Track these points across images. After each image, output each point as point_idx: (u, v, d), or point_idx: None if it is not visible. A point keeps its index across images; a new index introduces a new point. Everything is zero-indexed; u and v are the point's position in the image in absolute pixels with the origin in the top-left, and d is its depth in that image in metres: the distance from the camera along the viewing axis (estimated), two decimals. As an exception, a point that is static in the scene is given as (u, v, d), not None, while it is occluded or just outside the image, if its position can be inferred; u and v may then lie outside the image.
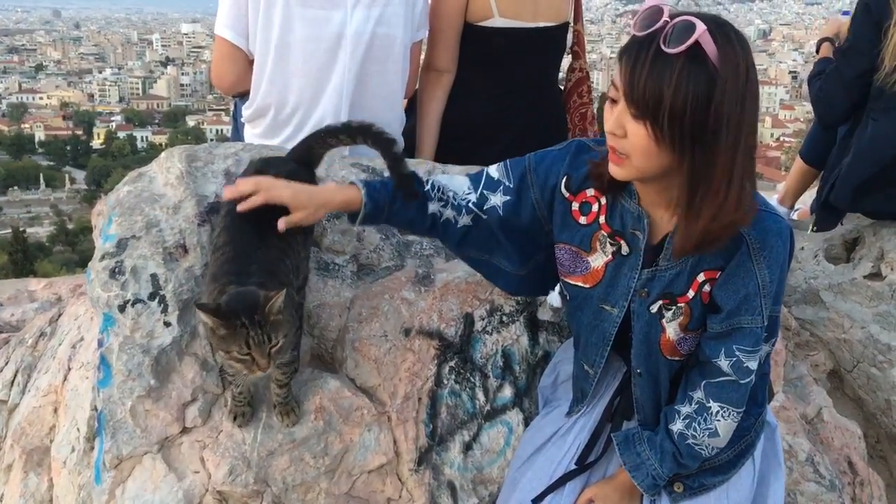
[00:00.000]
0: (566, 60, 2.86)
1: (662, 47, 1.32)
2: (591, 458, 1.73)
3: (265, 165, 1.74)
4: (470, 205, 1.70)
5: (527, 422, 1.94)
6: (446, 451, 1.86)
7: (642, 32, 1.35)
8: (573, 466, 1.73)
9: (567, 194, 1.65)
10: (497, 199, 1.69)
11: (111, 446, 1.67)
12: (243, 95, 2.54)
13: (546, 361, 2.00)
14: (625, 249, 1.59)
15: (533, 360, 1.99)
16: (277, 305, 1.44)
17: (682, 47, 1.30)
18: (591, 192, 1.63)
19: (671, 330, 1.57)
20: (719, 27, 1.34)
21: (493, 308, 1.98)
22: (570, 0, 2.68)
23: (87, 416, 1.82)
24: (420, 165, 2.30)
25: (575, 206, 1.65)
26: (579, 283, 1.67)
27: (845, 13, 3.06)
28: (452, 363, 1.90)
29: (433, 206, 1.69)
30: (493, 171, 1.72)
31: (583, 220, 1.65)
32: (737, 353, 1.52)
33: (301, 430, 1.73)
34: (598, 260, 1.63)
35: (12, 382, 2.32)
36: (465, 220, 1.70)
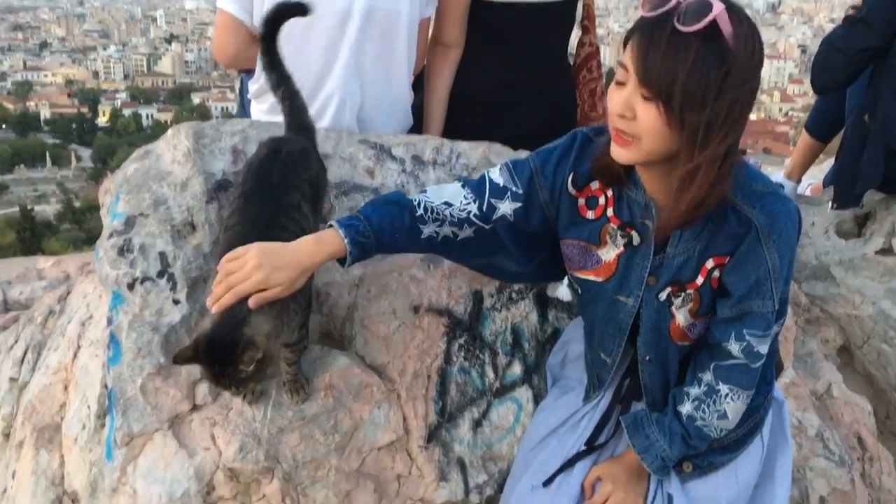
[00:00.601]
0: (576, 34, 2.83)
1: (677, 26, 1.28)
2: (600, 439, 1.73)
3: (276, 146, 1.73)
4: (472, 217, 1.62)
5: (536, 399, 1.94)
6: (456, 427, 1.86)
7: (653, 12, 1.32)
8: (583, 448, 1.73)
9: (573, 191, 1.62)
10: (506, 207, 1.62)
11: (122, 424, 1.68)
12: (248, 71, 2.52)
13: (555, 338, 1.99)
14: (636, 240, 1.58)
15: (542, 336, 1.99)
16: (248, 358, 1.43)
17: (700, 26, 1.27)
18: (595, 185, 1.60)
19: (681, 316, 1.56)
20: (735, 8, 1.32)
21: (502, 285, 1.97)
22: None
23: (98, 393, 1.83)
24: (428, 141, 2.28)
25: (581, 201, 1.63)
26: (591, 277, 1.65)
27: None
28: (461, 340, 1.90)
29: (428, 229, 1.61)
30: (497, 176, 1.64)
31: (590, 214, 1.62)
32: (747, 337, 1.50)
33: (311, 407, 1.73)
34: (609, 253, 1.61)
35: (22, 360, 2.33)
36: (466, 232, 1.64)
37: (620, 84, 1.38)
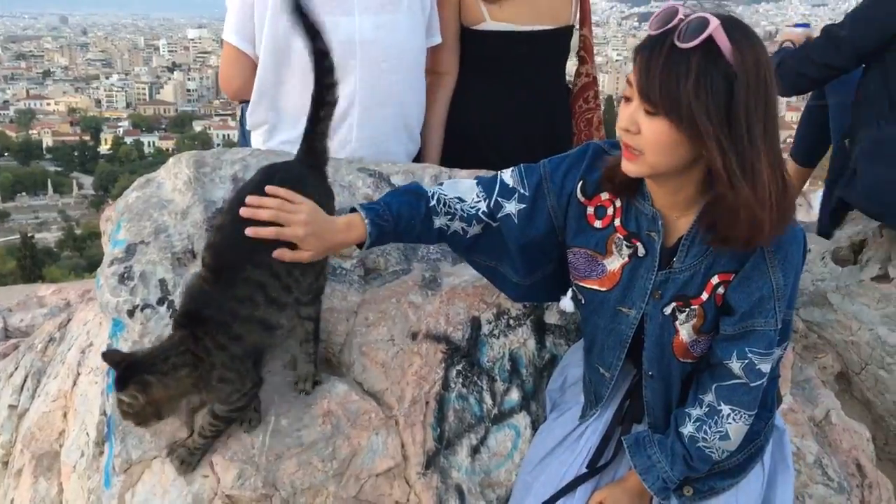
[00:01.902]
0: (573, 65, 2.86)
1: (677, 43, 1.33)
2: (601, 461, 1.73)
3: (271, 172, 1.73)
4: (480, 213, 1.68)
5: (534, 425, 1.94)
6: (454, 454, 1.86)
7: (657, 31, 1.37)
8: (584, 470, 1.73)
9: (582, 198, 1.65)
10: (512, 207, 1.67)
11: (121, 450, 1.69)
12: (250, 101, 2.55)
13: (553, 365, 2.00)
14: (641, 251, 1.60)
15: (540, 363, 2.00)
16: (126, 396, 1.48)
17: (696, 42, 1.32)
18: (605, 195, 1.63)
19: (684, 332, 1.57)
20: (733, 23, 1.36)
21: (499, 312, 1.98)
22: (571, 3, 2.67)
23: (97, 420, 1.84)
24: (427, 169, 2.31)
25: (590, 210, 1.65)
26: (595, 287, 1.67)
27: (799, 25, 3.11)
28: (460, 367, 1.90)
29: (439, 221, 1.67)
30: (508, 177, 1.70)
31: (598, 223, 1.65)
32: (749, 355, 1.52)
33: (309, 434, 1.74)
34: (614, 263, 1.63)
35: (22, 387, 2.33)
36: (475, 229, 1.69)
37: (627, 100, 1.42)
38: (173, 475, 1.66)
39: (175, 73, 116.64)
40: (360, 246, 1.64)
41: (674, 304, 1.57)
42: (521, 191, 1.67)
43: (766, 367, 1.54)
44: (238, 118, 2.74)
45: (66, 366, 2.15)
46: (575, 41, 2.79)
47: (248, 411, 1.70)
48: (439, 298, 1.95)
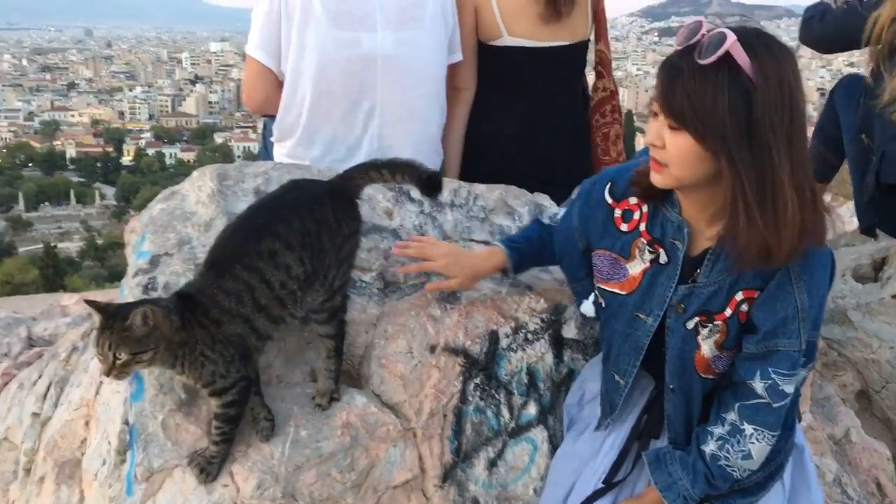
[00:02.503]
0: (591, 80, 2.88)
1: (697, 59, 1.35)
2: (619, 476, 1.73)
3: (289, 188, 1.77)
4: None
5: (551, 440, 1.94)
6: (471, 467, 1.87)
7: (681, 45, 1.40)
8: (601, 485, 1.73)
9: (610, 200, 1.69)
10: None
11: (143, 459, 1.70)
12: (272, 115, 2.59)
13: (571, 379, 2.01)
14: (663, 258, 1.61)
15: (557, 377, 2.00)
16: (136, 325, 1.48)
17: (713, 58, 1.33)
18: (633, 199, 1.66)
19: (706, 347, 1.57)
20: (756, 37, 1.37)
21: (517, 326, 1.99)
22: (587, 19, 2.68)
23: (118, 429, 1.85)
24: (447, 184, 2.33)
25: (618, 212, 1.68)
26: (615, 290, 1.69)
27: None
28: (477, 380, 1.91)
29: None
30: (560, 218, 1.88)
31: (624, 227, 1.67)
32: (773, 375, 1.51)
33: (328, 445, 1.75)
34: (636, 267, 1.65)
35: (45, 395, 2.36)
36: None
37: (654, 115, 1.45)
38: (194, 484, 1.67)
39: (197, 85, 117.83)
40: (504, 272, 1.93)
41: (697, 318, 1.57)
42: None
43: (789, 388, 1.53)
44: (260, 131, 2.78)
45: (88, 375, 2.17)
46: (592, 56, 2.81)
47: (251, 408, 1.70)
48: (458, 312, 1.96)
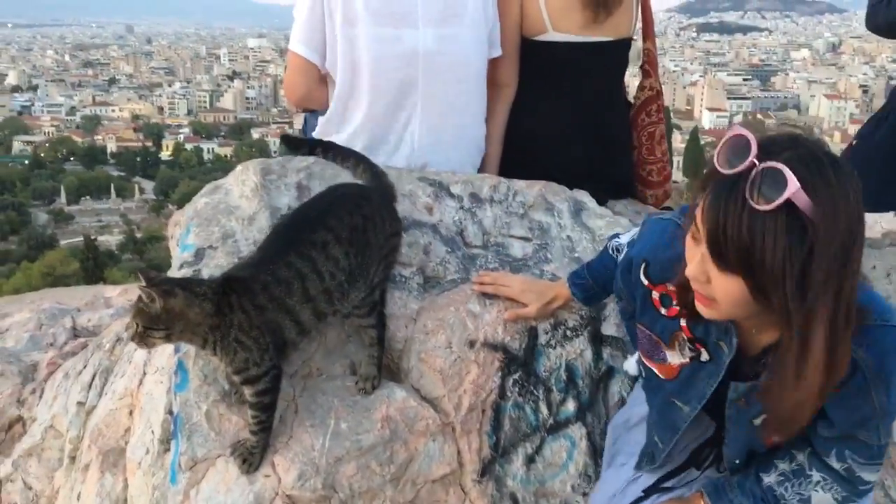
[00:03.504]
0: (637, 78, 2.85)
1: (751, 202, 1.15)
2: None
3: (338, 185, 1.84)
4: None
5: (589, 436, 1.94)
6: (509, 463, 1.87)
7: (727, 171, 1.18)
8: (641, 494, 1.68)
9: (646, 281, 1.53)
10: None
11: (187, 448, 1.73)
12: (313, 111, 2.61)
13: (609, 377, 2.00)
14: (704, 356, 1.47)
15: (596, 374, 2.00)
16: (147, 303, 1.52)
17: (773, 206, 1.13)
18: (671, 286, 1.47)
19: (777, 435, 1.46)
20: (815, 171, 1.15)
21: (557, 322, 1.99)
22: (632, 16, 2.67)
23: (162, 419, 1.89)
24: (486, 180, 2.33)
25: (655, 295, 1.53)
26: (654, 370, 1.59)
27: None
28: (516, 376, 1.92)
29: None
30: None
31: (664, 310, 1.52)
32: (849, 460, 1.40)
33: (367, 438, 1.77)
34: (675, 358, 1.53)
35: (90, 385, 2.41)
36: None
37: (695, 240, 1.27)
38: (236, 474, 1.70)
39: (235, 81, 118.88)
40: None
41: (764, 416, 1.44)
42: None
43: (869, 475, 1.41)
44: (300, 127, 2.80)
45: (132, 365, 2.21)
46: (637, 54, 2.79)
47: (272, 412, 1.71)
48: (497, 308, 1.97)
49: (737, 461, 1.56)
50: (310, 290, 1.65)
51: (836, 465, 1.42)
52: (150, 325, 1.53)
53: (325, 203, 1.77)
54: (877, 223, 3.49)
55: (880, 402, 1.33)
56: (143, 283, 1.52)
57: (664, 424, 1.62)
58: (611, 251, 1.79)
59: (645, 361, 1.62)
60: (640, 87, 2.82)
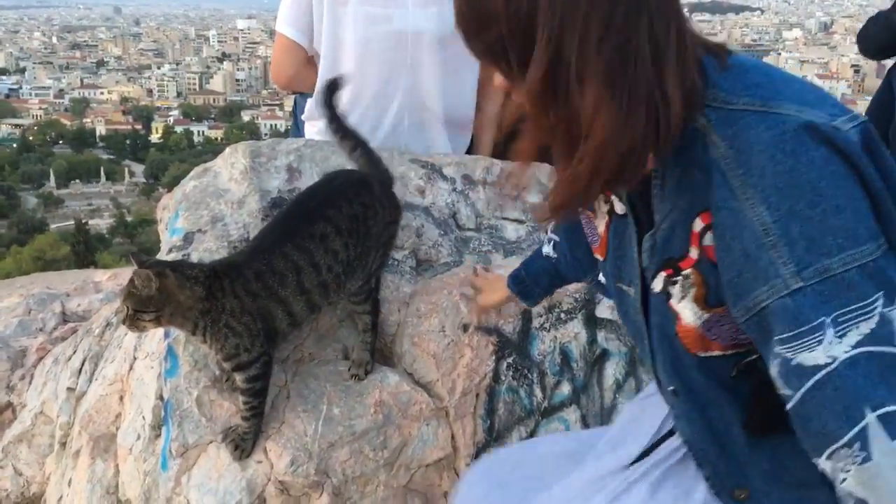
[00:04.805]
0: None
1: None
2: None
3: (336, 174, 1.81)
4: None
5: (584, 419, 1.93)
6: (503, 446, 1.86)
7: None
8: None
9: None
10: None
11: (178, 435, 1.72)
12: (301, 92, 2.57)
13: (604, 359, 1.99)
14: (618, 207, 1.14)
15: (591, 357, 1.98)
16: (135, 285, 1.50)
17: None
18: None
19: (688, 312, 1.02)
20: None
21: (551, 305, 1.98)
22: None
23: (153, 404, 1.87)
24: (478, 161, 2.30)
25: None
26: (598, 256, 1.24)
27: None
28: (510, 360, 1.90)
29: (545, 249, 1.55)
30: None
31: None
32: (779, 350, 0.89)
33: (360, 423, 1.75)
34: (601, 223, 1.20)
35: (80, 371, 2.39)
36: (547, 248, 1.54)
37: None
38: (228, 460, 1.68)
39: (224, 63, 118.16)
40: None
41: (663, 273, 1.04)
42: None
43: (809, 358, 0.86)
44: (290, 109, 2.77)
45: (122, 350, 2.19)
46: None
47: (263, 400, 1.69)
48: (491, 291, 1.95)
49: (671, 388, 1.12)
50: (305, 282, 1.62)
51: (779, 381, 0.90)
52: (140, 307, 1.51)
53: (324, 192, 1.73)
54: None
55: (759, 216, 0.88)
56: (137, 267, 1.50)
57: (633, 332, 1.21)
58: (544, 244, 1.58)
59: (595, 256, 1.25)
60: None
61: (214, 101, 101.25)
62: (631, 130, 0.90)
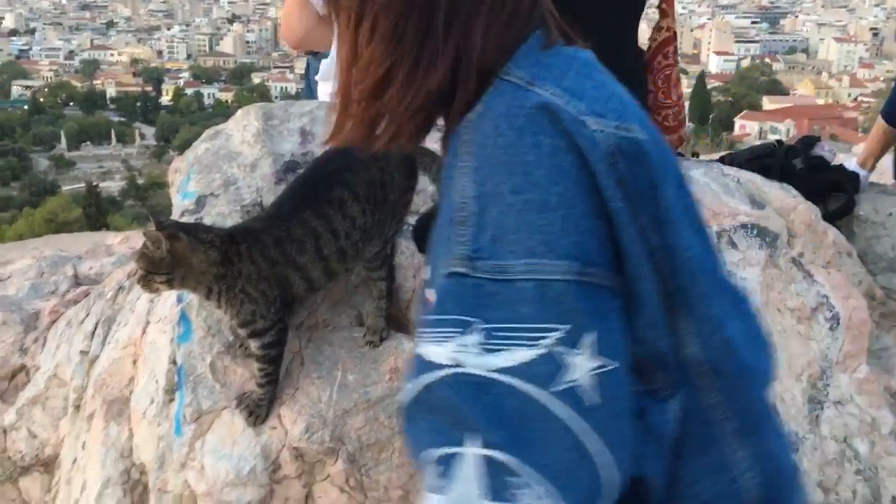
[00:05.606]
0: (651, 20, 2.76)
1: None
2: None
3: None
4: None
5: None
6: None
7: None
8: None
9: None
10: None
11: (192, 400, 1.71)
12: (314, 53, 2.53)
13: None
14: None
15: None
16: (150, 237, 1.48)
17: None
18: None
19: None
20: None
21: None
22: None
23: (166, 369, 1.86)
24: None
25: None
26: None
27: None
28: (527, 326, 1.88)
29: None
30: None
31: None
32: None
33: (375, 390, 1.74)
34: None
35: (93, 334, 2.38)
36: None
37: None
38: (242, 426, 1.68)
39: (234, 24, 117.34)
40: None
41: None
42: None
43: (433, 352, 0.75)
44: (304, 71, 2.72)
45: (135, 314, 2.18)
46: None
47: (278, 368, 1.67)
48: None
49: None
50: (323, 249, 1.60)
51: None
52: (152, 269, 1.50)
53: (341, 156, 1.68)
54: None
55: (462, 187, 0.77)
56: (153, 228, 1.48)
57: None
58: None
59: None
60: (657, 28, 2.71)
61: (225, 63, 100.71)
62: (418, 86, 0.82)
